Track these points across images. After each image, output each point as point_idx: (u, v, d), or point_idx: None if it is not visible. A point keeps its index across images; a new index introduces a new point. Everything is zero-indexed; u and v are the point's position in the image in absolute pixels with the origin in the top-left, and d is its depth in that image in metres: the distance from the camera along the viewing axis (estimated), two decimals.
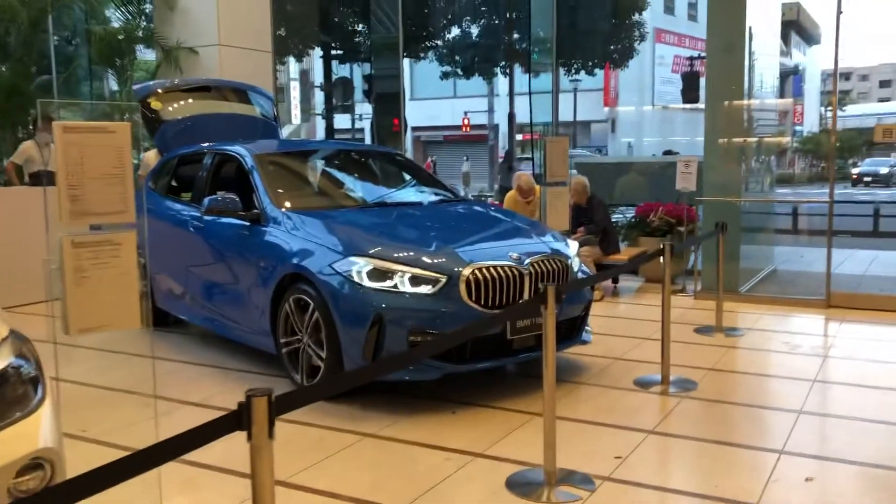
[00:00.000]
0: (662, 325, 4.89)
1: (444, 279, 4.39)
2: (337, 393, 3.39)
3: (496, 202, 10.75)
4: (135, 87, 7.42)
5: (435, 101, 35.81)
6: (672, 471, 3.76)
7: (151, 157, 7.92)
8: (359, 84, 21.63)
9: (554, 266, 4.81)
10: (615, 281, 8.56)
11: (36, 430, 1.98)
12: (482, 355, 4.54)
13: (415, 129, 36.57)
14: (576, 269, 5.12)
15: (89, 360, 5.41)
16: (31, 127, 9.82)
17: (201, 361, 5.53)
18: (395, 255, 4.49)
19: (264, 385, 4.96)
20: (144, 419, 4.21)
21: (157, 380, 5.00)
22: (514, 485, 3.47)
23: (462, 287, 4.39)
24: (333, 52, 21.65)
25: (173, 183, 6.67)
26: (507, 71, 26.22)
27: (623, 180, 14.14)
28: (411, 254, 4.52)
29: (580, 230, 8.23)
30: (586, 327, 5.24)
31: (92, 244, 2.63)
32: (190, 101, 7.07)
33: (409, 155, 33.46)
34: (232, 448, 3.66)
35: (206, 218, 5.57)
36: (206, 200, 5.28)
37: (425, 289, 4.37)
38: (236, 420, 1.84)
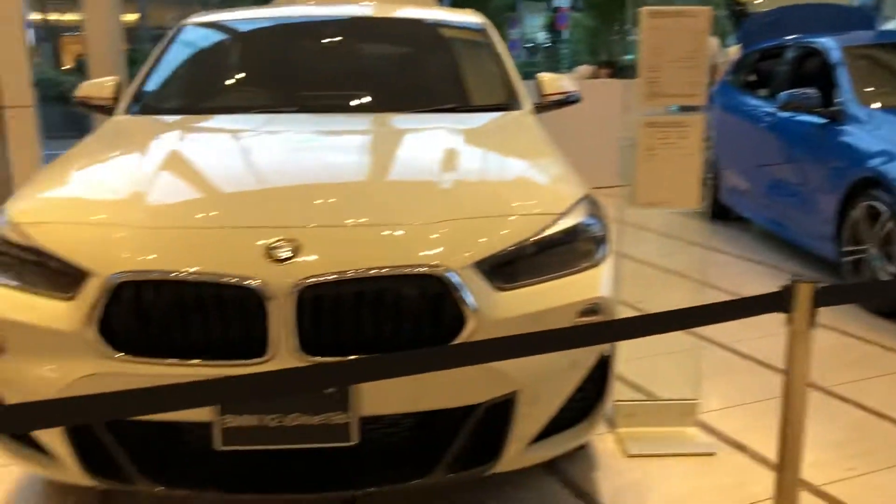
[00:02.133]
0: None
1: None
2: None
3: None
4: None
5: None
6: None
7: (734, 52, 7.87)
8: None
9: None
10: None
11: (596, 281, 2.27)
12: None
13: None
14: None
15: (655, 242, 5.81)
16: None
17: (757, 258, 5.51)
18: None
19: None
20: (694, 302, 4.43)
21: (710, 270, 5.17)
22: None
23: None
24: None
25: (752, 78, 6.56)
26: None
27: None
28: None
29: None
30: None
31: (663, 125, 2.80)
32: None
33: None
34: (771, 345, 3.66)
35: (780, 115, 5.40)
36: (782, 95, 5.10)
37: None
38: (778, 301, 1.85)
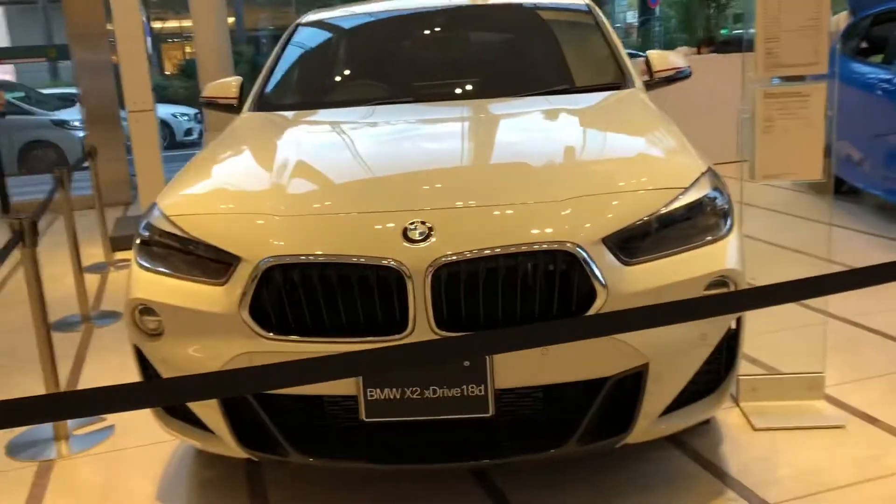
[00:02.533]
0: None
1: None
2: None
3: None
4: None
5: None
6: None
7: (842, 18, 7.57)
8: None
9: None
10: None
11: (723, 254, 2.28)
12: None
13: None
14: None
15: (764, 218, 5.69)
16: None
17: (875, 231, 5.33)
18: None
19: None
20: None
21: (825, 245, 5.01)
22: None
23: None
24: None
25: (863, 45, 6.31)
26: None
27: None
28: None
29: None
30: None
31: (782, 95, 2.76)
32: None
33: None
34: None
35: None
36: None
37: None
38: None
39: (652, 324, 1.90)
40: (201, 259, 2.27)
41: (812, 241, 5.03)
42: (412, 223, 2.14)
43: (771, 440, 2.74)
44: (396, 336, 2.09)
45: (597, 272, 2.10)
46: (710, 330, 2.25)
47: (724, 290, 2.27)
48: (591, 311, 2.10)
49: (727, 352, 2.35)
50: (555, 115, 2.98)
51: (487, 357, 2.09)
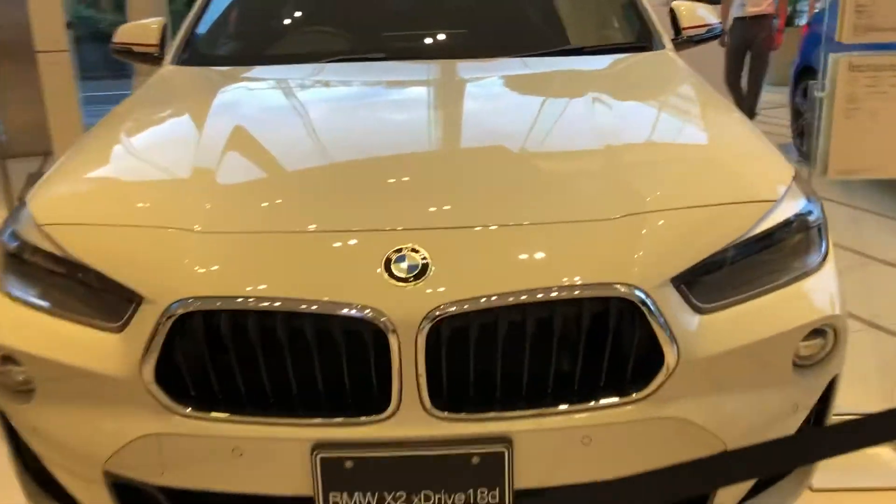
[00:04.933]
0: None
1: None
2: None
3: None
4: None
5: None
6: None
7: None
8: None
9: None
10: None
11: (823, 292, 1.66)
12: None
13: None
14: None
15: None
16: None
17: (887, 213, 4.82)
18: None
19: None
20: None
21: (838, 227, 4.45)
22: None
23: None
24: None
25: None
26: None
27: None
28: None
29: None
30: None
31: (872, 68, 2.13)
32: None
33: None
34: None
35: None
36: None
37: None
38: None
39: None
40: (87, 291, 1.56)
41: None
42: (398, 250, 1.46)
43: None
44: (374, 417, 1.43)
45: (665, 325, 1.46)
46: (803, 397, 1.65)
47: (822, 341, 1.66)
48: (657, 382, 1.47)
49: (818, 414, 1.75)
50: (578, 88, 2.24)
51: (505, 447, 1.45)
